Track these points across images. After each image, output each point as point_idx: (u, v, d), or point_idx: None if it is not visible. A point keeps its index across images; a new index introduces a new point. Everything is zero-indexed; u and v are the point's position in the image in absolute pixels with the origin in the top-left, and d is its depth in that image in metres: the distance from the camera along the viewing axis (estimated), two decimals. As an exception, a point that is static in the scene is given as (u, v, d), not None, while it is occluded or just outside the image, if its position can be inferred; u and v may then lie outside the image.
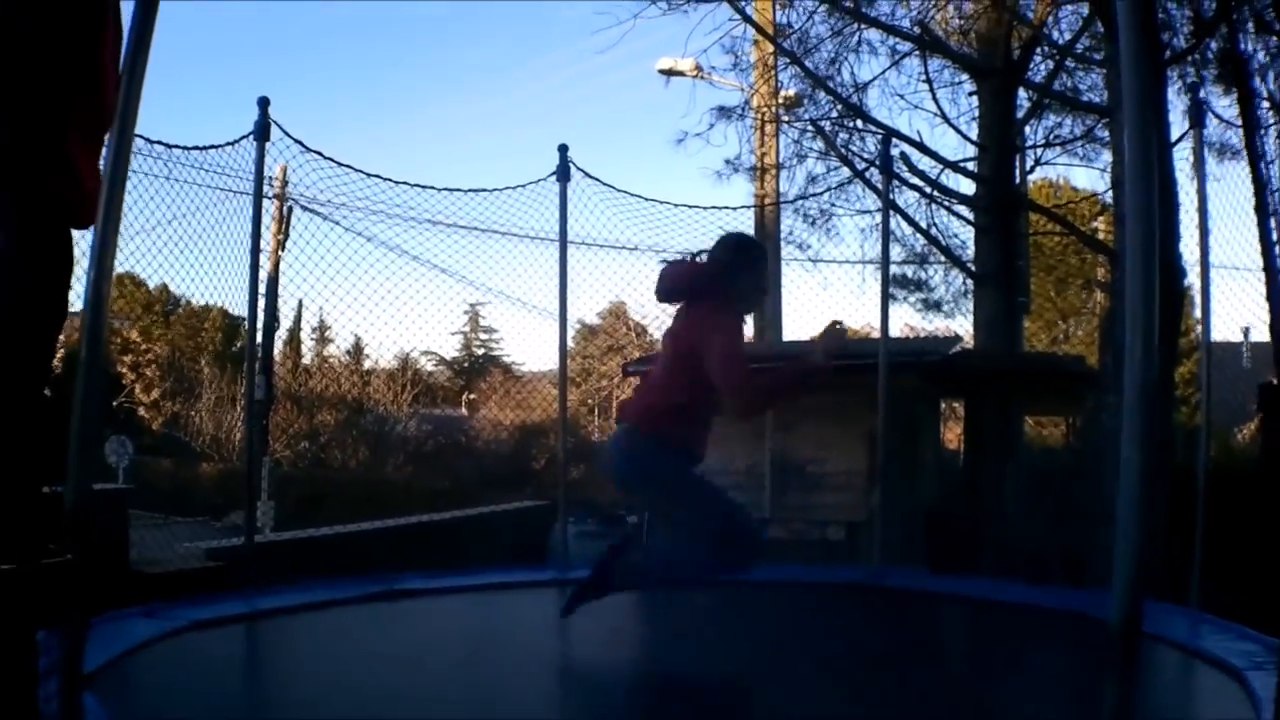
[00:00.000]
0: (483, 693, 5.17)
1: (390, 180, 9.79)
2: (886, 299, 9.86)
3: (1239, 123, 9.42)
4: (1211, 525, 7.71)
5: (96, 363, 3.24)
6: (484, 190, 10.07)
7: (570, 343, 28.89)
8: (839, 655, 6.07)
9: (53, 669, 3.25)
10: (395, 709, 4.84)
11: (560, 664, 6.15)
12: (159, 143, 8.15)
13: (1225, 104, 10.80)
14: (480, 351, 39.61)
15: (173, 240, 8.83)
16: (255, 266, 8.25)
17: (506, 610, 7.52)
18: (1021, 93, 13.27)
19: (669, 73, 16.80)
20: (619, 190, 10.38)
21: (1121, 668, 2.80)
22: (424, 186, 10.02)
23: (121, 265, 9.02)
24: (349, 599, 7.22)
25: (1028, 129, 13.79)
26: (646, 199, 10.86)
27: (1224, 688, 5.00)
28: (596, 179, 9.98)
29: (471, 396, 30.47)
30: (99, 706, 4.22)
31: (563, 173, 9.59)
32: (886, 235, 10.06)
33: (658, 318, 25.52)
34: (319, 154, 8.99)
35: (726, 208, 12.16)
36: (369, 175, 9.65)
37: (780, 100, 15.56)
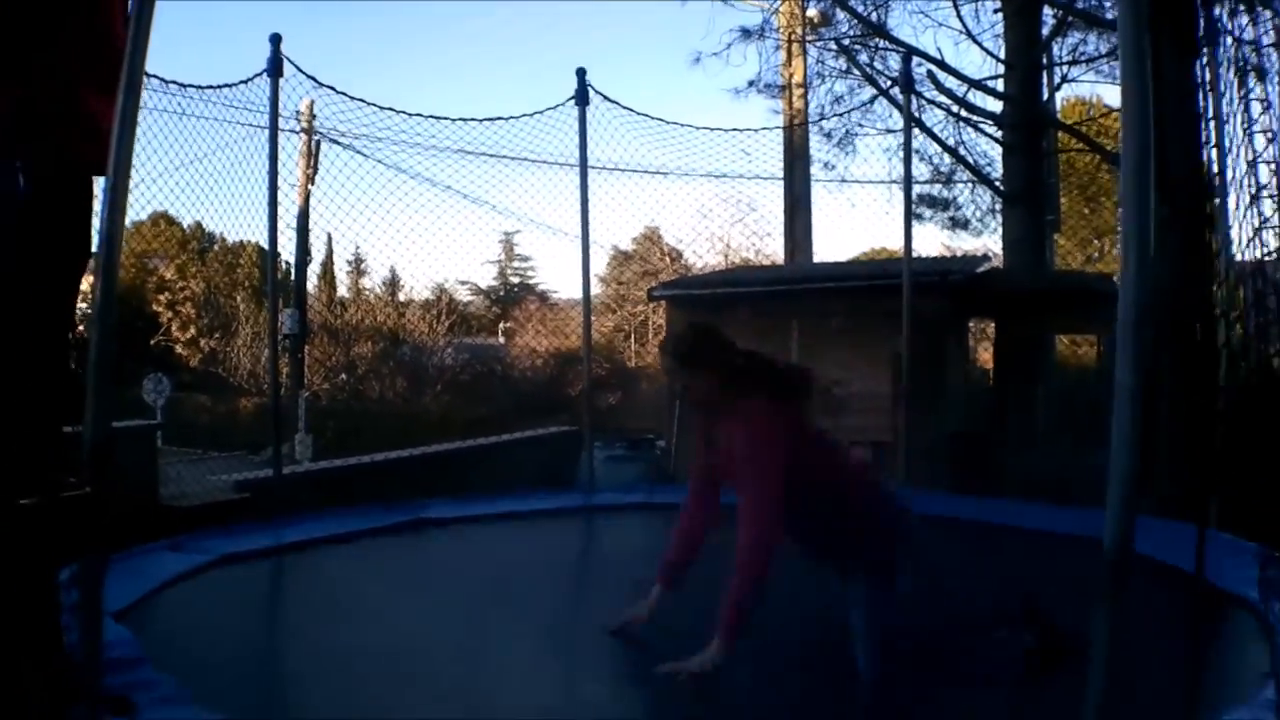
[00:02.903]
0: (507, 619, 5.23)
1: (404, 113, 9.74)
2: (910, 217, 9.80)
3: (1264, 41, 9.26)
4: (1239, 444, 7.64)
5: (110, 299, 3.29)
6: (500, 119, 9.97)
7: (604, 268, 29.00)
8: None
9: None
10: (420, 637, 4.92)
11: (579, 591, 6.23)
12: (173, 82, 8.20)
13: (1246, 22, 10.63)
14: (515, 280, 39.54)
15: (203, 178, 8.89)
16: (274, 201, 8.29)
17: (529, 537, 7.61)
18: (1047, 9, 13.09)
19: (689, -7, 16.62)
20: (638, 114, 10.29)
21: (1112, 593, 2.82)
22: (438, 117, 9.94)
23: (155, 204, 9.11)
24: (375, 529, 7.32)
25: (1054, 46, 13.64)
26: (669, 122, 10.78)
27: (1237, 618, 4.98)
28: (616, 102, 9.89)
29: (507, 325, 30.42)
30: (132, 639, 4.31)
31: (581, 97, 9.50)
32: (909, 153, 9.99)
33: (693, 242, 25.56)
34: (331, 89, 9.05)
35: (749, 130, 12.06)
36: (382, 108, 9.61)
37: (805, 19, 15.45)
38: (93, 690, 3.29)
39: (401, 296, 27.35)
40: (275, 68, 8.17)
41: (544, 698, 4.22)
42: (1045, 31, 13.12)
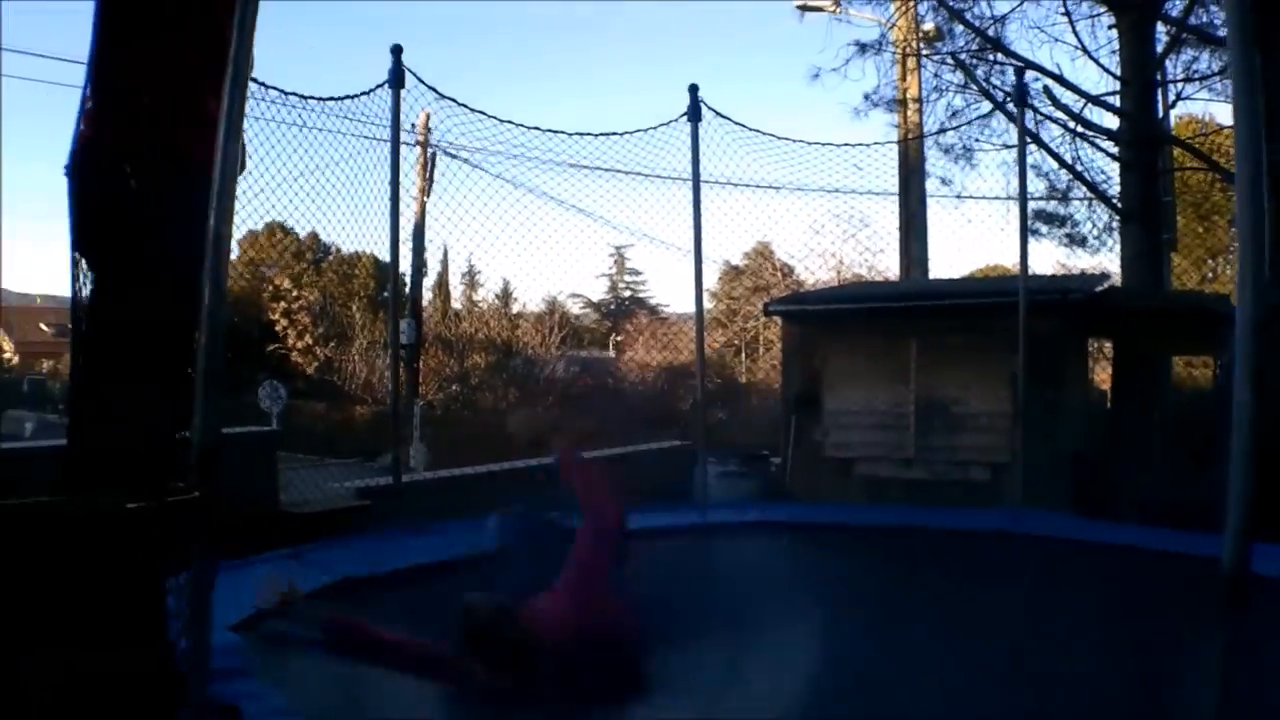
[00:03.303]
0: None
1: (522, 125, 9.83)
2: (1025, 234, 9.71)
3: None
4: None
5: (219, 304, 3.32)
6: (614, 134, 10.07)
7: (715, 283, 28.99)
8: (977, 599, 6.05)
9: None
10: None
11: (699, 609, 6.20)
12: (293, 94, 8.29)
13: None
14: (626, 294, 39.70)
15: (318, 188, 8.96)
16: (395, 212, 8.36)
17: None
18: (1160, 27, 12.91)
19: (806, 8, 16.52)
20: (750, 129, 10.32)
21: (1231, 611, 2.77)
22: (554, 131, 10.08)
23: (270, 214, 9.24)
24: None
25: (1168, 63, 13.43)
26: (780, 138, 10.80)
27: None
28: (728, 118, 9.92)
29: (618, 338, 30.55)
30: (245, 650, 4.39)
31: (694, 113, 9.52)
32: (1024, 167, 9.90)
33: (805, 257, 25.39)
34: (453, 100, 9.12)
35: (862, 145, 11.99)
36: (501, 121, 9.70)
37: (920, 33, 15.34)
38: (199, 694, 3.34)
39: (514, 308, 27.56)
40: (397, 79, 8.24)
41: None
42: (1159, 49, 12.91)
